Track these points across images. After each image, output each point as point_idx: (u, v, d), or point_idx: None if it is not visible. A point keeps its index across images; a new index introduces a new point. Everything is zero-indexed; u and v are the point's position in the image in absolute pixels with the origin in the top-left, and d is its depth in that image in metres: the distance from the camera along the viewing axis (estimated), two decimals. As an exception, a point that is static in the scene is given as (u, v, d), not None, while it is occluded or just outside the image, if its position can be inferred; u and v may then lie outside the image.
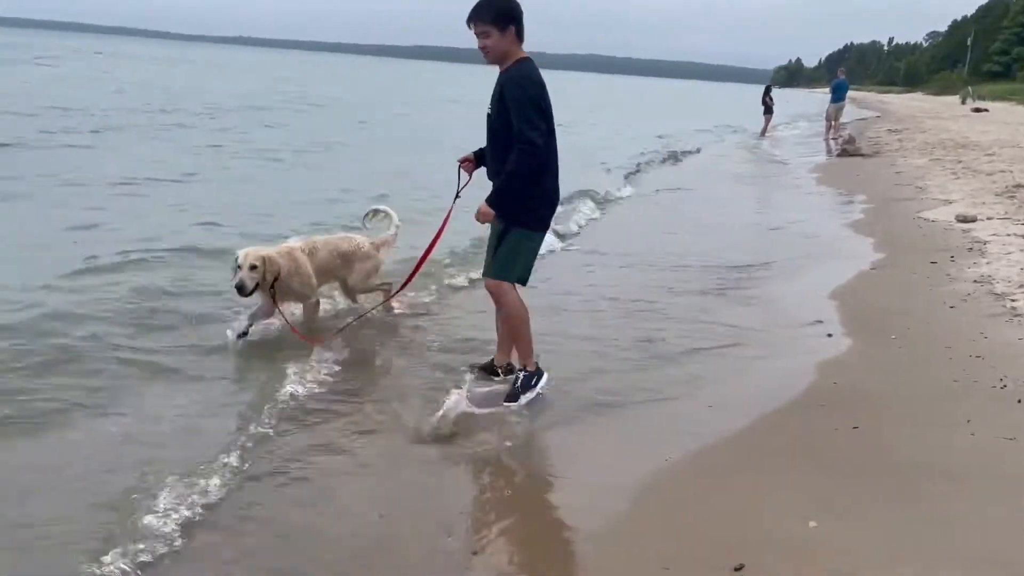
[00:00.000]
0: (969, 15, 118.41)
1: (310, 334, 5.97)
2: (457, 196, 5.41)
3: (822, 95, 74.67)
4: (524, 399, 5.10)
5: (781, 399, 4.96)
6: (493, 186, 5.09)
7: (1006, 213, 10.85)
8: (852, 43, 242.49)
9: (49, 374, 5.06)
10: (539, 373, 5.23)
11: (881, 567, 3.22)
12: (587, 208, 12.11)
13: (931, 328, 6.19)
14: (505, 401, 5.11)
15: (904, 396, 4.97)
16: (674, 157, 21.35)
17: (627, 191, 14.48)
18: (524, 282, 5.18)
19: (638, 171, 17.64)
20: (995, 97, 58.14)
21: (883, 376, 5.30)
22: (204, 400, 4.96)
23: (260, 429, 4.56)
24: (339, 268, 6.40)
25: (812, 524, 3.46)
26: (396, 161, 16.80)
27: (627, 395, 5.25)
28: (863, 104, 56.78)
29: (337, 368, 5.47)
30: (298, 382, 5.18)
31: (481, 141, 5.33)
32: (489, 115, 5.11)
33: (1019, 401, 4.74)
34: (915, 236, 9.82)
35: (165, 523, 3.54)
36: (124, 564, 3.26)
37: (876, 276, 8.00)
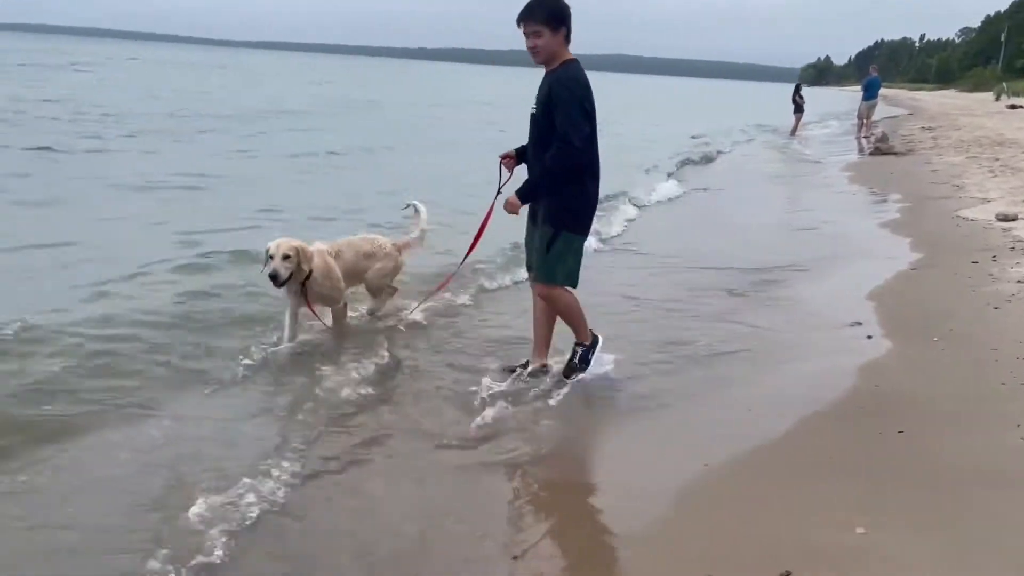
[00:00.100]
0: (1002, 11, 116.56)
1: (339, 339, 5.97)
2: (499, 192, 5.42)
3: (851, 93, 73.95)
4: (588, 370, 5.38)
5: (821, 402, 4.88)
6: (526, 180, 5.15)
7: (1048, 212, 10.62)
8: (883, 40, 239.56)
9: (93, 376, 5.08)
10: (594, 341, 5.44)
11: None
12: (624, 209, 12.04)
13: (975, 329, 6.05)
14: (565, 376, 5.37)
15: (950, 399, 4.86)
16: (707, 157, 21.20)
17: (663, 191, 14.35)
18: (574, 284, 5.29)
19: (674, 172, 17.48)
20: (1031, 93, 57.19)
21: (927, 379, 5.20)
22: (243, 404, 4.99)
23: (298, 434, 4.58)
24: (365, 270, 6.41)
25: (860, 531, 3.39)
26: (439, 162, 16.95)
27: (660, 398, 5.22)
28: (894, 102, 56.08)
29: (373, 372, 5.47)
30: (335, 387, 5.19)
31: (519, 140, 5.41)
32: (533, 114, 5.15)
33: (1069, 404, 4.62)
34: (954, 235, 9.65)
35: (205, 527, 3.54)
36: (169, 567, 3.27)
37: (915, 276, 7.87)
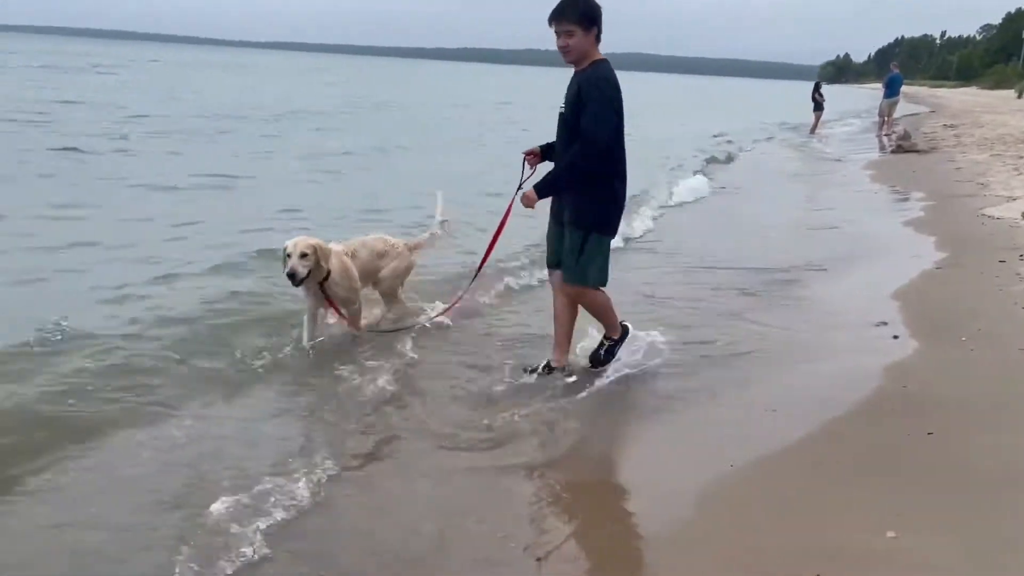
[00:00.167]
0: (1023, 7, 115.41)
1: (355, 341, 5.96)
2: (519, 188, 5.40)
3: (871, 91, 73.46)
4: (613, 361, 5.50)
5: (848, 403, 4.81)
6: (549, 173, 5.17)
7: (1075, 210, 10.48)
8: (903, 37, 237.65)
9: (117, 375, 5.09)
10: (623, 335, 5.54)
11: (964, 580, 3.09)
12: (646, 208, 11.98)
13: (1003, 329, 5.95)
14: (590, 362, 5.52)
15: (979, 401, 4.78)
16: (728, 156, 21.07)
17: (684, 191, 14.22)
18: (604, 283, 5.35)
19: (695, 171, 17.33)
20: (1053, 91, 56.51)
21: (956, 380, 5.11)
22: (264, 404, 5.01)
23: (318, 433, 4.61)
24: (378, 270, 6.38)
25: (890, 535, 3.33)
26: (461, 161, 17.00)
27: (682, 398, 5.18)
28: (915, 99, 55.58)
29: (393, 372, 5.45)
30: (355, 386, 5.21)
31: (542, 140, 5.45)
32: (562, 114, 5.16)
33: (1101, 406, 4.54)
34: (980, 234, 9.52)
35: (228, 525, 3.54)
36: (193, 565, 3.27)
37: (941, 276, 7.76)
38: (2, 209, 9.72)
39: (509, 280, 7.66)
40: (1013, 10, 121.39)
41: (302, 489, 3.87)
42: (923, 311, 6.60)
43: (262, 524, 3.57)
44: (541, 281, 7.45)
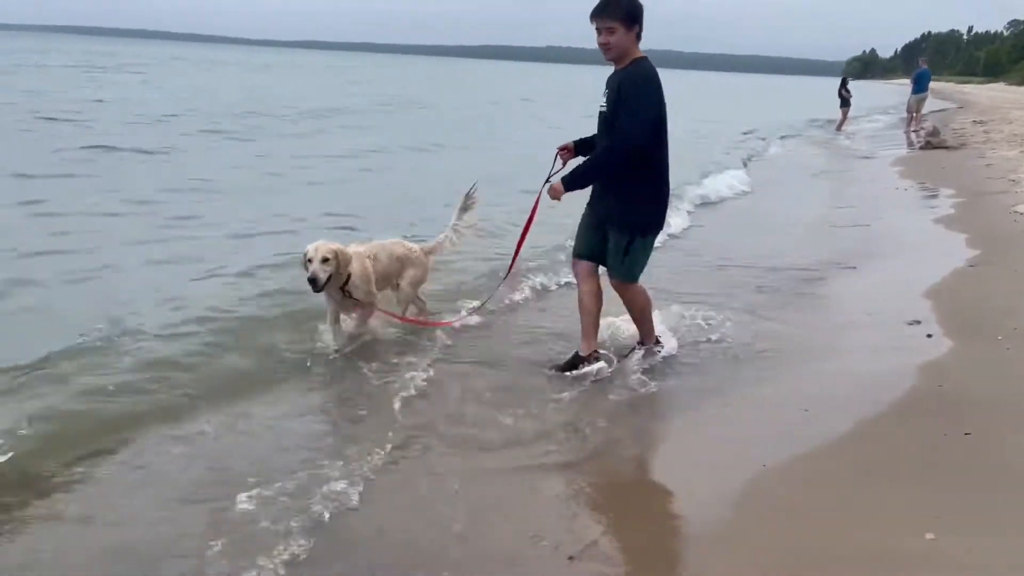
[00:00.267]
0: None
1: (356, 342, 5.90)
2: (547, 181, 5.41)
3: (898, 86, 72.71)
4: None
5: (882, 403, 4.73)
6: (577, 167, 5.20)
7: (1109, 207, 10.31)
8: (929, 32, 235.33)
9: (153, 373, 5.14)
10: (657, 345, 5.71)
11: (1006, 583, 3.03)
12: (677, 206, 11.88)
13: (1040, 328, 5.85)
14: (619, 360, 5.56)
15: (1017, 400, 4.68)
16: (756, 153, 20.94)
17: (716, 188, 14.17)
18: (636, 280, 5.49)
19: (725, 169, 17.22)
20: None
21: (992, 379, 5.01)
22: (293, 403, 5.02)
23: (345, 432, 4.63)
24: (396, 274, 6.33)
25: (929, 536, 3.27)
26: (494, 160, 17.06)
27: (713, 397, 5.14)
28: (942, 95, 54.95)
29: (421, 371, 5.44)
30: (382, 385, 5.22)
31: (573, 136, 5.56)
32: (603, 112, 5.18)
33: None
34: (1012, 231, 9.36)
35: (256, 522, 3.57)
36: (224, 562, 3.29)
37: (973, 274, 7.64)
38: (45, 207, 9.85)
39: (536, 279, 7.63)
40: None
41: (332, 487, 3.87)
42: (956, 309, 6.50)
43: (293, 522, 3.57)
44: (569, 284, 7.40)
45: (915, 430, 4.38)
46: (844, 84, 30.36)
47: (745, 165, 18.17)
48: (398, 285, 6.35)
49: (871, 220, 11.14)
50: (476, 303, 6.57)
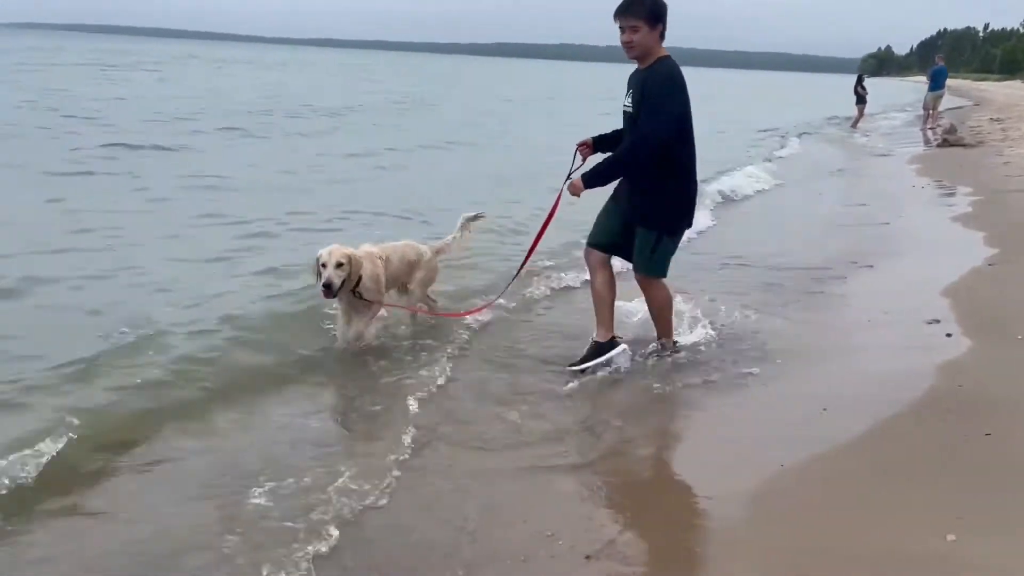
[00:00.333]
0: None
1: (357, 342, 5.82)
2: (567, 178, 5.42)
3: (914, 84, 72.22)
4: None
5: (901, 402, 4.68)
6: (598, 164, 5.21)
7: None
8: (945, 29, 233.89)
9: (174, 370, 5.16)
10: (675, 349, 5.68)
11: (1029, 585, 3.00)
12: (701, 204, 11.86)
13: (1061, 328, 5.79)
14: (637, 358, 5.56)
15: (1039, 401, 4.64)
16: (773, 152, 20.84)
17: (735, 186, 14.10)
18: (665, 274, 5.54)
19: (744, 166, 17.18)
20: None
21: (1013, 379, 4.94)
22: (309, 402, 5.04)
23: (359, 430, 4.68)
24: (406, 276, 6.32)
25: (950, 538, 3.24)
26: (514, 157, 17.17)
27: (730, 395, 5.11)
28: (959, 92, 54.51)
29: (436, 370, 5.44)
30: (396, 384, 5.22)
31: (590, 133, 5.61)
32: (628, 111, 5.21)
33: None
34: (1031, 230, 9.30)
35: (268, 519, 3.58)
36: (240, 560, 3.31)
37: (992, 273, 7.56)
38: (66, 205, 9.92)
39: (554, 277, 7.64)
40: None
41: (348, 485, 3.88)
42: (975, 309, 6.43)
43: (312, 517, 3.59)
44: (585, 282, 7.38)
45: (935, 430, 4.33)
46: (860, 81, 30.21)
47: (763, 163, 18.09)
48: (407, 287, 6.33)
49: (889, 218, 11.06)
50: (491, 297, 6.56)
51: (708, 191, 12.99)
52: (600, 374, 5.43)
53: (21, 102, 21.63)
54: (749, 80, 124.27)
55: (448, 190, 12.64)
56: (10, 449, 3.92)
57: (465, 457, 4.32)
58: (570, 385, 5.26)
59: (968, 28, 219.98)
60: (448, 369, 5.47)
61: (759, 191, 14.34)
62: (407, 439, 4.44)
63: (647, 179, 5.19)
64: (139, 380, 4.92)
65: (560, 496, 3.96)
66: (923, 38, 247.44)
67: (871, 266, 8.28)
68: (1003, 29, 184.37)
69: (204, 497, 3.81)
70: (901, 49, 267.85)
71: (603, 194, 5.57)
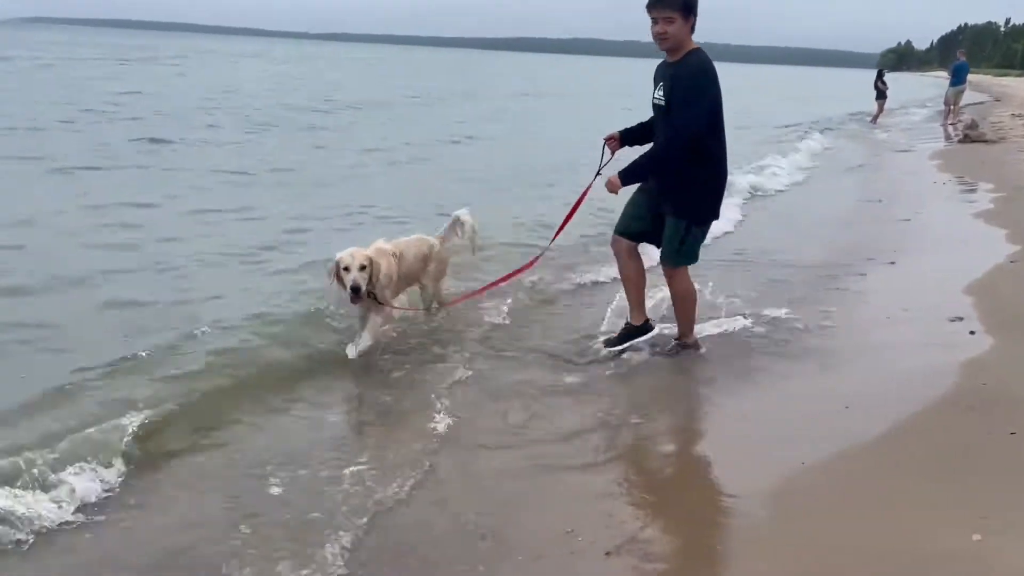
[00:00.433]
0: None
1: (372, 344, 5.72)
2: (598, 173, 5.49)
3: (934, 79, 71.56)
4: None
5: (925, 400, 4.64)
6: (634, 161, 5.22)
7: None
8: (966, 24, 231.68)
9: (208, 364, 5.16)
10: (697, 347, 5.65)
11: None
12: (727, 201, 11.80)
13: (1085, 326, 5.73)
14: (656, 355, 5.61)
15: (1064, 399, 4.58)
16: (794, 147, 20.71)
17: (757, 182, 14.00)
18: (695, 262, 5.56)
19: (765, 163, 17.09)
20: None
21: (1038, 378, 4.91)
22: (328, 397, 5.06)
23: (376, 427, 4.71)
24: (420, 271, 6.26)
25: (976, 537, 3.21)
26: (538, 153, 17.13)
27: (750, 393, 5.09)
28: (979, 88, 53.89)
29: (453, 368, 5.43)
30: (413, 381, 5.24)
31: (612, 128, 5.62)
32: (658, 104, 5.24)
33: None
34: (1055, 227, 9.19)
35: (299, 519, 3.58)
36: (252, 550, 3.33)
37: (1015, 270, 7.47)
38: (93, 199, 9.99)
39: (577, 272, 7.65)
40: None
41: (364, 482, 3.90)
42: (998, 306, 6.37)
43: (325, 513, 3.61)
44: (614, 279, 7.32)
45: (958, 428, 4.28)
46: (880, 76, 29.99)
47: (784, 159, 17.97)
48: (421, 283, 6.30)
49: (909, 214, 10.96)
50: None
51: (734, 186, 12.95)
52: (634, 358, 5.53)
53: (43, 97, 21.77)
54: (769, 75, 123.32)
55: (465, 186, 12.60)
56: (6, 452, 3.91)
57: (483, 453, 4.32)
58: (590, 379, 5.23)
59: (989, 23, 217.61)
60: (466, 365, 5.47)
61: (782, 187, 14.22)
62: (425, 435, 4.45)
63: (679, 170, 5.21)
64: (158, 375, 4.94)
65: (579, 493, 3.95)
66: (943, 33, 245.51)
67: (892, 262, 8.21)
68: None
69: (221, 489, 3.85)
70: (921, 44, 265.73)
71: (595, 194, 5.65)
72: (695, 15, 5.04)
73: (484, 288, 6.41)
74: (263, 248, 8.21)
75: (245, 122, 19.48)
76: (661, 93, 5.18)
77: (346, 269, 5.43)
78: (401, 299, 6.22)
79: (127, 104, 21.44)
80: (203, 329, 5.69)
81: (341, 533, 3.47)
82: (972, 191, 12.65)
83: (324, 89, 33.04)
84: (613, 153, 5.59)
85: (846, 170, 16.96)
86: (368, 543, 3.44)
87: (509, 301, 6.65)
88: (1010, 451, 3.98)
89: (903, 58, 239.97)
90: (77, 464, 3.82)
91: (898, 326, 6.19)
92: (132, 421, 4.23)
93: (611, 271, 7.41)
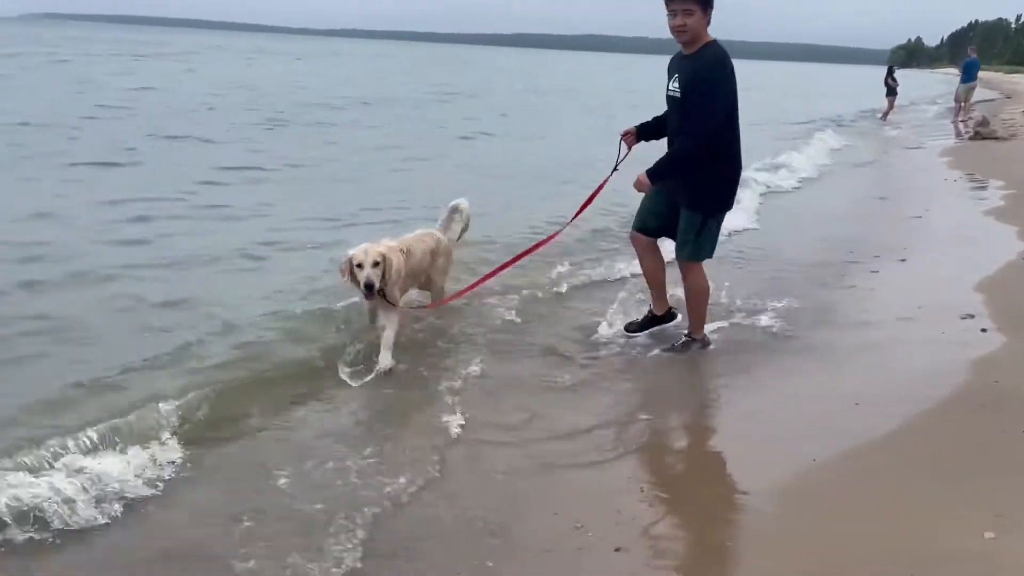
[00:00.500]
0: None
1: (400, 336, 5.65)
2: (615, 169, 5.52)
3: (944, 75, 71.19)
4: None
5: (936, 398, 4.64)
6: (660, 160, 5.26)
7: None
8: (976, 21, 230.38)
9: (222, 361, 5.14)
10: (706, 343, 5.65)
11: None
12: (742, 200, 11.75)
13: (1098, 325, 5.70)
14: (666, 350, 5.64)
15: (1077, 397, 4.56)
16: (805, 144, 20.63)
17: (768, 180, 13.94)
18: (711, 256, 5.59)
19: (776, 161, 17.01)
20: None
21: (1051, 376, 4.89)
22: (332, 396, 5.00)
23: (386, 425, 4.67)
24: (428, 267, 6.17)
25: (988, 536, 3.20)
26: (552, 149, 17.11)
27: (760, 390, 5.09)
28: (990, 85, 53.57)
29: (463, 364, 5.39)
30: (424, 379, 5.21)
31: (624, 124, 5.63)
32: (674, 96, 5.24)
33: None
34: (1067, 225, 9.15)
35: (308, 514, 3.59)
36: (260, 543, 3.33)
37: (1027, 268, 7.48)
38: (115, 195, 9.95)
39: (590, 268, 7.62)
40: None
41: (382, 477, 3.89)
42: (1010, 303, 6.35)
43: (334, 508, 3.61)
44: (635, 274, 7.26)
45: (971, 426, 4.27)
46: (891, 73, 29.83)
47: (796, 156, 17.92)
48: (429, 279, 6.24)
49: (920, 212, 10.91)
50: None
51: (748, 183, 12.92)
52: (643, 354, 5.60)
53: (58, 93, 21.81)
54: (778, 71, 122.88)
55: (481, 182, 12.56)
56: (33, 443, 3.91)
57: (493, 449, 4.32)
58: (600, 377, 5.23)
59: (1000, 19, 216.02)
60: (476, 361, 5.43)
61: (793, 184, 14.17)
62: (434, 431, 4.45)
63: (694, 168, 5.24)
64: (174, 370, 4.94)
65: (589, 489, 3.95)
66: (954, 29, 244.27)
67: (903, 260, 8.18)
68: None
69: (230, 482, 3.87)
70: (931, 40, 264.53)
71: (609, 188, 5.65)
72: (712, 7, 5.05)
73: (484, 277, 6.31)
74: (275, 244, 8.17)
75: (257, 118, 19.42)
76: (676, 85, 5.18)
77: (359, 266, 5.35)
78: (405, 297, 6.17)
79: (143, 99, 21.47)
80: (216, 326, 5.68)
81: (351, 527, 3.47)
82: (983, 188, 12.61)
83: (334, 85, 32.98)
84: (630, 148, 5.61)
85: (857, 167, 16.88)
86: (377, 537, 3.44)
87: (516, 298, 6.63)
88: (1022, 449, 3.97)
89: (913, 55, 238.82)
90: (90, 457, 3.82)
91: (909, 323, 6.16)
92: (144, 417, 4.23)
93: (621, 266, 7.46)
